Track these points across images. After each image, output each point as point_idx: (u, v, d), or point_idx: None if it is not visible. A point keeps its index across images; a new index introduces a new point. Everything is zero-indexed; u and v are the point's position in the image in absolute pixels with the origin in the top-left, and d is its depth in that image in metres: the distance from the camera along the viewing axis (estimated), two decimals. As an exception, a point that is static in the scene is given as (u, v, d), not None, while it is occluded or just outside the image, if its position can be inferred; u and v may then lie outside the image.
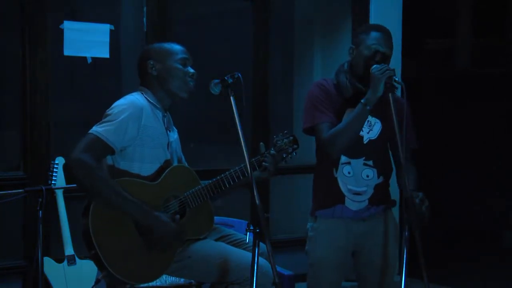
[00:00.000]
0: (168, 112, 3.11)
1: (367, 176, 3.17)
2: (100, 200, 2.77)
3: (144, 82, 3.07)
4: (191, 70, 3.03)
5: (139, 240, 2.82)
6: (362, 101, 3.03)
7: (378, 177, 3.20)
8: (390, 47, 3.14)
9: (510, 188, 7.18)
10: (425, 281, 2.79)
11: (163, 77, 3.01)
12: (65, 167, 2.78)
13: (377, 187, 3.20)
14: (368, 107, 3.02)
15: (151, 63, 3.02)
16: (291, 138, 3.09)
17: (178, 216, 2.90)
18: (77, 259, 4.01)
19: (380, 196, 3.23)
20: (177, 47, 3.07)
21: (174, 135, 3.12)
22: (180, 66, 3.01)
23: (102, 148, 2.81)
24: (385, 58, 3.10)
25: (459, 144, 7.75)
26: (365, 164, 3.17)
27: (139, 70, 3.09)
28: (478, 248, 6.79)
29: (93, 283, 3.90)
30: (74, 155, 2.75)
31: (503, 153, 7.45)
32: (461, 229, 7.24)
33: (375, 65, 3.03)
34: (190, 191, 2.95)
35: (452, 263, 6.13)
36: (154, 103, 3.00)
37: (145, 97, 3.00)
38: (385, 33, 3.16)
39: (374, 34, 3.12)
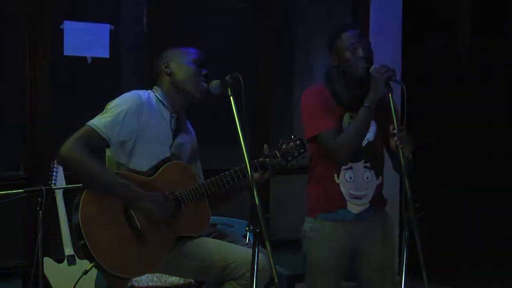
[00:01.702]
0: (183, 114, 3.12)
1: (367, 178, 3.18)
2: (92, 184, 2.78)
3: (157, 81, 3.09)
4: (205, 71, 3.03)
5: (129, 233, 2.82)
6: (365, 104, 3.03)
7: (377, 178, 3.21)
8: (366, 38, 3.16)
9: (511, 188, 7.18)
10: (425, 281, 2.79)
11: (177, 76, 3.03)
12: (58, 156, 2.79)
13: (377, 188, 3.21)
14: (371, 108, 3.02)
15: (166, 62, 3.05)
16: (298, 142, 3.07)
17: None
18: (77, 259, 4.01)
19: (378, 196, 3.24)
20: (192, 49, 3.10)
21: (185, 138, 3.11)
22: (194, 66, 3.02)
23: (96, 139, 2.83)
24: (366, 50, 3.10)
25: (459, 144, 7.75)
26: (365, 167, 3.18)
27: (154, 72, 3.12)
28: (478, 248, 6.79)
29: (93, 283, 3.91)
30: (66, 144, 2.78)
31: (503, 153, 7.45)
32: (461, 229, 7.24)
33: (374, 66, 3.04)
34: (186, 188, 2.95)
35: (452, 263, 6.13)
36: (164, 102, 3.00)
37: (155, 95, 3.02)
38: (355, 28, 3.17)
39: (345, 34, 3.13)
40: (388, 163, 3.31)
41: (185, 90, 3.03)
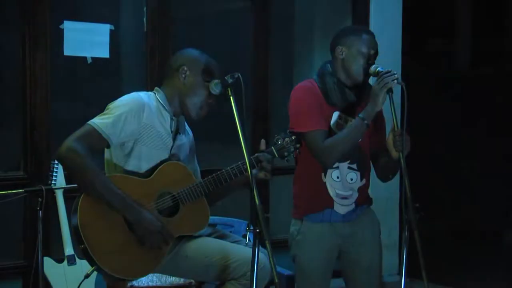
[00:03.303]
0: (182, 116, 3.10)
1: (351, 180, 3.18)
2: (87, 189, 2.76)
3: (166, 82, 3.06)
4: (213, 94, 2.96)
5: (129, 236, 2.81)
6: (360, 115, 3.04)
7: (361, 180, 3.21)
8: (377, 47, 3.17)
9: (510, 187, 7.18)
10: (425, 281, 2.79)
11: (187, 89, 3.00)
12: (57, 155, 2.78)
13: (360, 190, 3.21)
14: (365, 122, 3.02)
15: (184, 68, 3.00)
16: (294, 137, 3.06)
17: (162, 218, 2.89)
18: (77, 259, 4.01)
19: (363, 197, 3.25)
20: (215, 68, 3.02)
21: (183, 139, 3.11)
22: (206, 91, 2.97)
23: (97, 139, 2.81)
24: (375, 60, 3.13)
25: (459, 144, 7.75)
26: (349, 168, 3.17)
27: (169, 67, 3.06)
28: (478, 248, 6.79)
29: (93, 283, 3.91)
30: (67, 143, 2.76)
31: (503, 153, 7.45)
32: (461, 229, 7.24)
33: (374, 70, 3.03)
34: (184, 187, 2.94)
35: (452, 263, 6.13)
36: (164, 105, 3.00)
37: (156, 97, 3.00)
38: (373, 35, 3.19)
39: (365, 37, 3.14)
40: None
41: (186, 105, 3.01)
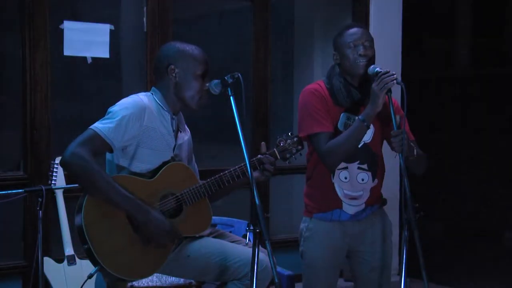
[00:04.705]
0: (180, 113, 3.11)
1: (362, 180, 3.18)
2: (94, 192, 2.77)
3: (159, 83, 3.05)
4: (207, 86, 2.97)
5: (133, 236, 2.81)
6: (360, 117, 3.04)
7: (373, 180, 3.21)
8: (368, 37, 3.14)
9: (511, 187, 7.18)
10: (425, 281, 2.79)
11: (181, 84, 3.00)
12: (61, 160, 2.78)
13: (372, 190, 3.21)
14: (365, 124, 3.02)
15: (173, 66, 2.99)
16: (296, 139, 3.07)
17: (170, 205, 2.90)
18: (77, 259, 4.01)
19: (375, 197, 3.25)
20: (200, 56, 3.02)
21: (184, 137, 3.12)
22: (200, 81, 2.98)
23: (100, 144, 2.82)
24: (367, 48, 3.11)
25: (459, 144, 7.75)
26: (359, 168, 3.17)
27: (157, 68, 3.06)
28: (479, 248, 6.80)
29: (93, 283, 3.91)
30: (70, 148, 2.76)
31: (503, 153, 7.45)
32: (461, 229, 7.24)
33: (373, 66, 3.03)
34: (187, 188, 2.95)
35: (452, 263, 6.13)
36: (162, 106, 3.00)
37: (154, 98, 3.00)
38: (358, 27, 3.18)
39: (347, 32, 3.14)
40: (388, 166, 3.32)
41: (184, 100, 3.01)
